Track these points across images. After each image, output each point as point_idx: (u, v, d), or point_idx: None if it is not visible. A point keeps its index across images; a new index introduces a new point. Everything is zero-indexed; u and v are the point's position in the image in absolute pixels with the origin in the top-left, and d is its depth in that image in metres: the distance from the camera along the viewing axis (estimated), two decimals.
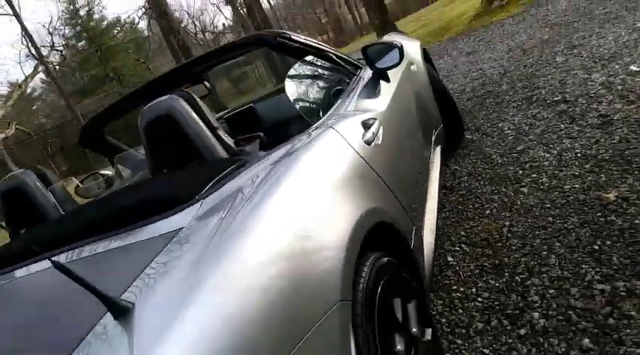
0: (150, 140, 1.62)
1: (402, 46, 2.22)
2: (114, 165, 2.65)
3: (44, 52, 24.28)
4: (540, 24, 6.23)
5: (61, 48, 26.91)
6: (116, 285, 0.94)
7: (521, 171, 2.78)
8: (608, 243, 1.92)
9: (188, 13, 33.80)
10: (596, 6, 5.57)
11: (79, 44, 28.22)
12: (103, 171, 2.77)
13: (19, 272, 1.29)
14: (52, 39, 26.21)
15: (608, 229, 1.99)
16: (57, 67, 26.32)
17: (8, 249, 1.48)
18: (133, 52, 28.72)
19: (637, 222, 1.96)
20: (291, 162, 1.30)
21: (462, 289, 2.05)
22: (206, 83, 2.42)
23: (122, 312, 0.84)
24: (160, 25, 15.09)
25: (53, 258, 0.83)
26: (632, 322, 1.54)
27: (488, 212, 2.55)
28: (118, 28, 29.55)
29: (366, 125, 1.71)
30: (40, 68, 24.00)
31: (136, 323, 0.83)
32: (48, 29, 26.13)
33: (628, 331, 1.52)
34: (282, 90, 2.13)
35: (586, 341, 1.55)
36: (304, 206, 1.15)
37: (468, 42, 7.63)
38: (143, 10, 24.28)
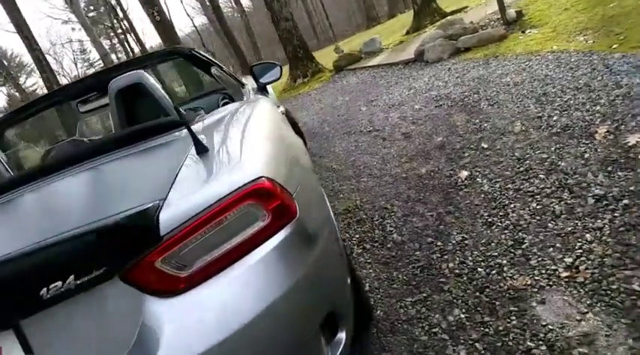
0: (120, 103, 2.03)
1: (281, 65, 2.99)
2: None
3: None
4: (341, 92, 7.78)
5: None
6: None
7: (357, 170, 3.74)
8: (428, 193, 2.90)
9: None
10: (379, 79, 7.30)
11: None
12: None
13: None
14: None
15: (425, 186, 2.99)
16: None
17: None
18: None
19: (441, 181, 3.00)
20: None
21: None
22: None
23: (203, 150, 1.37)
24: None
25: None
26: (450, 220, 2.47)
27: (341, 195, 3.38)
28: None
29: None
30: None
31: (215, 155, 1.36)
32: None
33: (452, 220, 2.43)
34: None
35: (430, 238, 2.42)
36: None
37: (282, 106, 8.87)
38: None
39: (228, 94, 2.95)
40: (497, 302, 1.83)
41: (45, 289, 1.05)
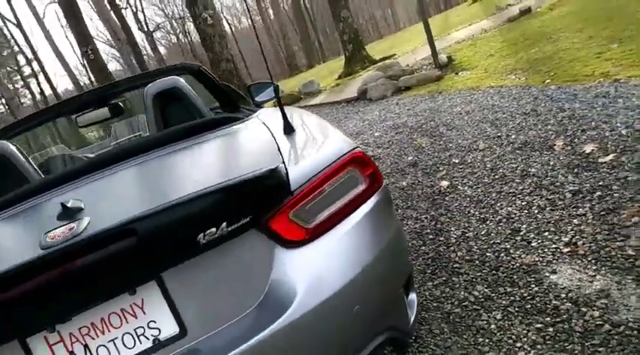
0: (156, 106, 2.09)
1: (277, 84, 3.16)
2: None
3: None
4: None
5: None
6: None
7: None
8: (415, 201, 3.15)
9: None
10: (327, 115, 7.66)
11: None
12: None
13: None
14: None
15: (410, 196, 3.25)
16: None
17: None
18: None
19: (424, 190, 3.27)
20: None
21: None
22: (119, 104, 2.78)
23: (291, 130, 1.52)
24: None
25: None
26: (445, 220, 2.72)
27: None
28: None
29: None
30: None
31: (302, 134, 1.52)
32: None
33: (447, 220, 2.69)
34: None
35: (431, 236, 2.65)
36: None
37: None
38: None
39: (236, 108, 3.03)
40: (515, 276, 2.07)
41: (202, 234, 1.13)
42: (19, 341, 1.12)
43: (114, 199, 1.37)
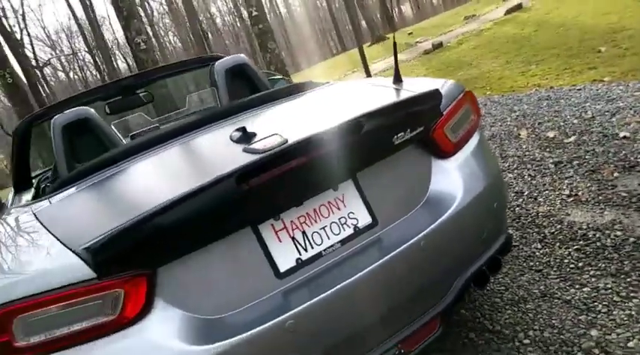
0: (226, 80, 2.26)
1: (288, 79, 3.41)
2: None
3: None
4: None
5: None
6: None
7: None
8: None
9: None
10: None
11: None
12: None
13: None
14: None
15: None
16: None
17: None
18: None
19: None
20: None
21: None
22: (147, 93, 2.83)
23: (399, 80, 1.82)
24: None
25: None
26: None
27: None
28: None
29: None
30: None
31: (410, 82, 1.83)
32: None
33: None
34: None
35: None
36: None
37: None
38: None
39: None
40: (537, 221, 2.49)
41: (395, 137, 1.38)
42: (252, 228, 1.26)
43: (289, 124, 1.56)
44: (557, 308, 1.84)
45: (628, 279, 1.86)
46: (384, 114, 1.42)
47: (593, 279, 1.93)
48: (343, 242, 1.35)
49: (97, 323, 1.13)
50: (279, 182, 1.25)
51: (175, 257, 1.17)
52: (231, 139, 1.51)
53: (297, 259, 1.29)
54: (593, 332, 1.66)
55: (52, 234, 1.28)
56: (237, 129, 1.51)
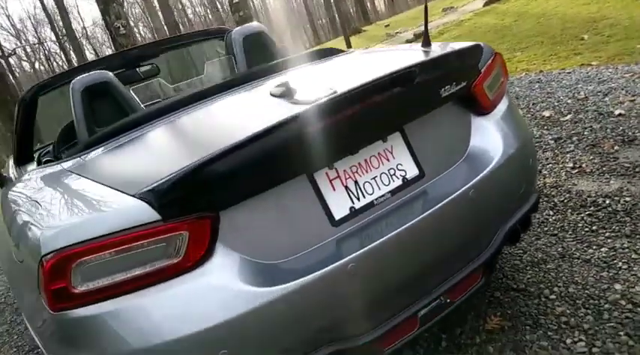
0: (244, 47, 2.25)
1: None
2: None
3: None
4: None
5: None
6: None
7: None
8: None
9: None
10: None
11: None
12: None
13: None
14: None
15: None
16: None
17: None
18: None
19: None
20: None
21: None
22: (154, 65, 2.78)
23: (428, 44, 1.84)
24: None
25: None
26: None
27: None
28: None
29: None
30: None
31: (438, 45, 1.84)
32: None
33: None
34: None
35: None
36: None
37: None
38: None
39: None
40: (545, 191, 2.55)
41: (442, 89, 1.41)
42: (307, 176, 1.27)
43: (333, 80, 1.56)
44: (577, 267, 1.90)
45: None
46: (433, 67, 1.44)
47: (609, 240, 2.00)
48: (393, 192, 1.37)
49: (159, 267, 1.11)
50: (334, 131, 1.25)
51: (237, 201, 1.17)
52: (274, 95, 1.50)
53: (351, 208, 1.30)
54: (617, 286, 1.73)
55: (102, 184, 1.26)
56: (279, 85, 1.51)
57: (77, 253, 1.09)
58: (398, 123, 1.40)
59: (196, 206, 1.13)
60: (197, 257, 1.13)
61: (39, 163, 2.47)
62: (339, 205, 1.29)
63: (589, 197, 2.36)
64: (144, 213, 1.10)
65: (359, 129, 1.32)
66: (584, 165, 2.69)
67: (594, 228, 2.12)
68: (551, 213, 2.34)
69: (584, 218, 2.21)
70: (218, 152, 1.12)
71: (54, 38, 33.84)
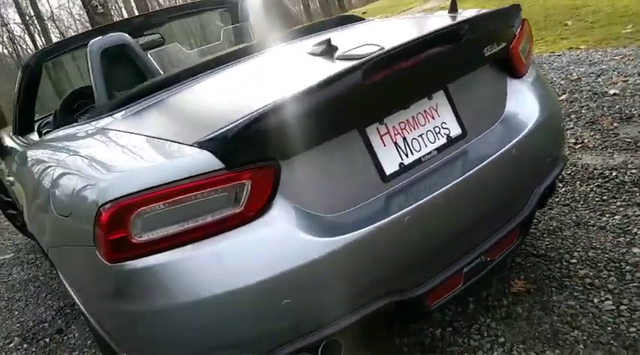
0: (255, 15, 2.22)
1: None
2: None
3: None
4: None
5: None
6: None
7: None
8: None
9: None
10: None
11: None
12: None
13: None
14: None
15: None
16: None
17: None
18: None
19: None
20: None
21: None
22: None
23: (455, 9, 1.84)
24: None
25: None
26: None
27: None
28: None
29: None
30: None
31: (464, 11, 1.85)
32: None
33: None
34: None
35: None
36: None
37: None
38: None
39: None
40: None
41: (485, 49, 1.42)
42: (359, 131, 1.26)
43: (373, 39, 1.54)
44: (594, 233, 1.96)
45: None
46: (479, 25, 1.45)
47: (620, 209, 2.07)
48: (439, 150, 1.37)
49: (220, 217, 1.10)
50: (386, 86, 1.24)
51: (298, 151, 1.16)
52: (314, 53, 1.48)
53: (400, 164, 1.31)
54: (636, 250, 1.79)
55: (152, 137, 1.23)
56: (319, 44, 1.49)
57: (138, 202, 1.06)
58: (443, 81, 1.41)
59: (260, 155, 1.11)
60: (258, 207, 1.12)
61: (39, 134, 2.39)
62: (389, 161, 1.30)
63: (595, 170, 2.43)
64: (206, 161, 1.08)
65: (409, 85, 1.32)
66: (585, 141, 2.76)
67: (605, 197, 2.18)
68: (560, 185, 2.39)
69: (594, 189, 2.27)
70: (281, 101, 1.10)
71: (18, 20, 32.55)
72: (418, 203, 1.20)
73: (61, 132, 1.66)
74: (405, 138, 1.33)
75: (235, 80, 1.57)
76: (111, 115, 1.51)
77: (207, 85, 1.54)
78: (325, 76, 1.16)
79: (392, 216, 1.17)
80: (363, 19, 2.10)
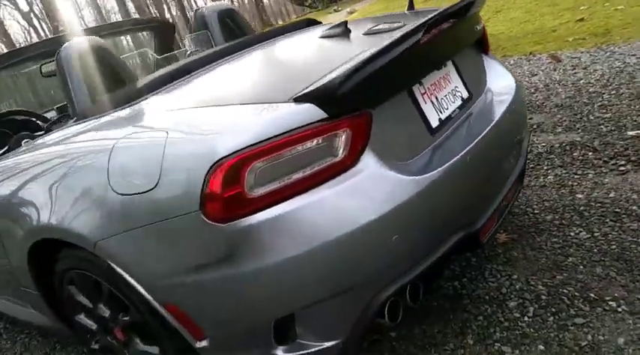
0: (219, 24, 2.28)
1: None
2: None
3: None
4: None
5: None
6: None
7: None
8: None
9: None
10: None
11: None
12: None
13: None
14: None
15: None
16: None
17: None
18: None
19: None
20: None
21: None
22: None
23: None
24: None
25: None
26: None
27: None
28: None
29: None
30: None
31: None
32: None
33: None
34: None
35: None
36: None
37: None
38: None
39: None
40: None
41: (476, 26, 1.70)
42: (407, 91, 1.41)
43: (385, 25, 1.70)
44: (539, 191, 2.31)
45: None
46: (474, 3, 1.67)
47: (549, 171, 2.47)
48: (459, 108, 1.57)
49: (324, 166, 1.14)
50: (428, 48, 1.40)
51: (383, 100, 1.28)
52: (334, 36, 1.62)
53: (439, 118, 1.47)
54: (579, 195, 2.16)
55: (232, 104, 1.24)
56: (334, 26, 1.62)
57: (251, 155, 1.06)
58: (451, 53, 1.63)
59: (357, 104, 1.18)
60: (355, 154, 1.17)
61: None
62: (432, 117, 1.45)
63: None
64: (308, 114, 1.12)
65: (440, 48, 1.52)
66: None
67: (531, 165, 2.59)
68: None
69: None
70: (370, 55, 1.20)
71: None
72: (470, 146, 1.37)
73: (125, 114, 1.48)
74: (437, 97, 1.50)
75: (281, 55, 1.72)
76: (151, 97, 1.48)
77: (249, 60, 1.65)
78: (388, 38, 1.29)
79: (458, 156, 1.32)
80: (321, 23, 2.27)
